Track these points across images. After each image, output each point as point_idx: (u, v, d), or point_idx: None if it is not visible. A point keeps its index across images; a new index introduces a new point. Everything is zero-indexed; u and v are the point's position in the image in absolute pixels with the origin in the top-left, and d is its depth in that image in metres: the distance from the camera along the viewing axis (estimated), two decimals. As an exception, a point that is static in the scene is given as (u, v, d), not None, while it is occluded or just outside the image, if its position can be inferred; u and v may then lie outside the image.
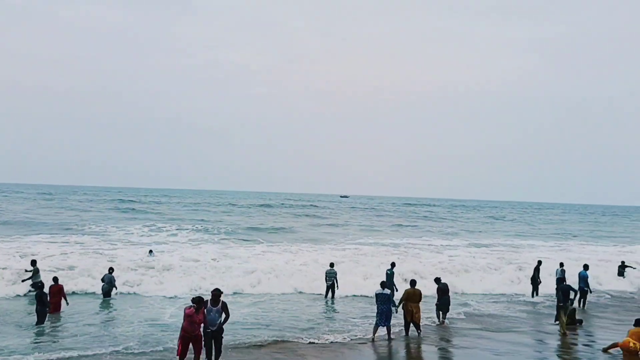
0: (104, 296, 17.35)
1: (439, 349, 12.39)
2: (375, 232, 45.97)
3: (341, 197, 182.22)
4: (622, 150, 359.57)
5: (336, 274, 18.66)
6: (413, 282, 14.19)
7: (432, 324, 14.54)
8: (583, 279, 18.06)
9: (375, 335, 12.83)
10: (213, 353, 10.18)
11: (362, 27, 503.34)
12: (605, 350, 12.02)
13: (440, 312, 14.94)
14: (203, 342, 10.01)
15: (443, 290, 15.01)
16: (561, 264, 19.80)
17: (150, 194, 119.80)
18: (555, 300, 14.77)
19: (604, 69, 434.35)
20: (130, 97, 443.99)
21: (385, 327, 12.89)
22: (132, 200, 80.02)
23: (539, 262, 20.61)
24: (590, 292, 18.46)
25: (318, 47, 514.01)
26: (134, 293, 18.35)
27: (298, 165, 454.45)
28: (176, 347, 10.12)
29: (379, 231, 47.60)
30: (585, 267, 18.71)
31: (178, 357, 9.97)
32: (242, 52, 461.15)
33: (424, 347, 12.46)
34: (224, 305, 10.33)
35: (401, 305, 13.35)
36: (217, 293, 10.24)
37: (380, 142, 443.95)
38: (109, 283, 17.46)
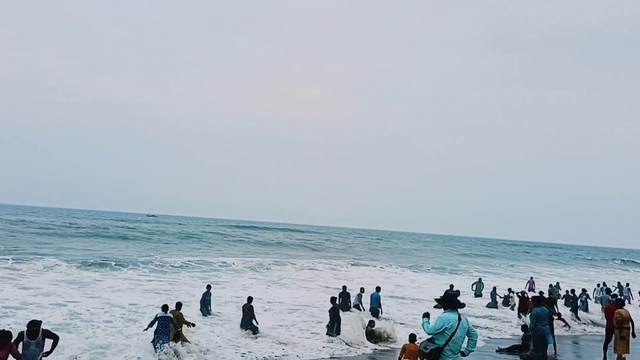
0: None
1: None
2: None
3: (148, 215, 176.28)
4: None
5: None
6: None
7: None
8: (375, 299, 20.81)
9: None
10: None
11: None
12: None
13: None
14: None
15: None
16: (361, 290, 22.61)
17: None
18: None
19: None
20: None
21: None
22: None
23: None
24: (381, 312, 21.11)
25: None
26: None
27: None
28: None
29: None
30: (378, 288, 21.57)
31: None
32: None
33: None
34: (46, 332, 9.52)
35: None
36: (34, 327, 9.31)
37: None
38: None
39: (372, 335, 16.04)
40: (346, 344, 15.17)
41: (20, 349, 9.13)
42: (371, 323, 16.51)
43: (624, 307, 14.30)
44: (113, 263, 31.41)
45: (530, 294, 24.74)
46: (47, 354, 9.50)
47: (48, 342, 9.59)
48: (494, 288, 27.36)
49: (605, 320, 15.89)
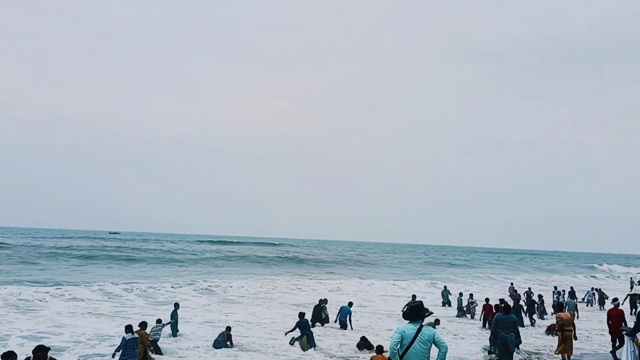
0: None
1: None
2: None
3: (110, 233, 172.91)
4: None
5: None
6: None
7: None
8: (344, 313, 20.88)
9: None
10: None
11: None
12: None
13: None
14: None
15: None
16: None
17: None
18: None
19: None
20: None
21: None
22: None
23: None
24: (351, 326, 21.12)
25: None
26: None
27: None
28: None
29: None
30: (350, 303, 21.64)
31: None
32: None
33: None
34: None
35: None
36: (40, 352, 8.58)
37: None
38: None
39: (364, 346, 16.42)
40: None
41: None
42: (363, 338, 16.96)
43: (564, 311, 15.13)
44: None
45: (510, 301, 25.18)
46: None
47: None
48: (460, 294, 27.29)
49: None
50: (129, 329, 13.04)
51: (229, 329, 16.78)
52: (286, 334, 17.21)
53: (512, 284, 39.21)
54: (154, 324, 16.04)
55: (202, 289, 32.34)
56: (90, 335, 17.36)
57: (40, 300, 24.49)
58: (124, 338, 12.70)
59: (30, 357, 8.71)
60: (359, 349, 16.31)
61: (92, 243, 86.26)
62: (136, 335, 12.87)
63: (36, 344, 15.25)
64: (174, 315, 18.08)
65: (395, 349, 7.05)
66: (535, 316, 25.04)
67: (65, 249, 68.19)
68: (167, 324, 17.15)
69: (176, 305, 18.86)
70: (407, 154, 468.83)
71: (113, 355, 12.71)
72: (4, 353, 8.29)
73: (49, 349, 8.72)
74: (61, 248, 69.21)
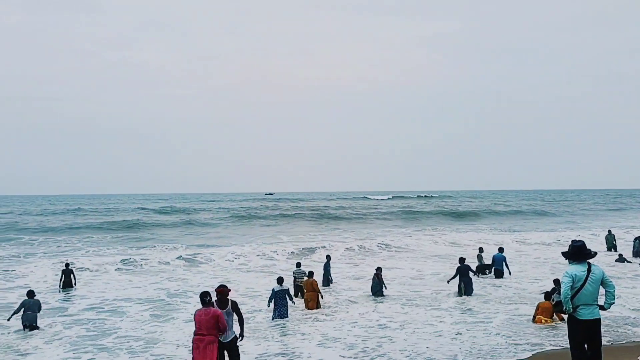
0: None
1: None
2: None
3: (266, 194, 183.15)
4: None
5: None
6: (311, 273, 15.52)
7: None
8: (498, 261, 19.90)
9: None
10: None
11: (272, 26, 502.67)
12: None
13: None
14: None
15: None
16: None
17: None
18: None
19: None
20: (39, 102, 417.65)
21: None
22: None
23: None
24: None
25: (229, 46, 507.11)
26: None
27: (223, 166, 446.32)
28: None
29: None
30: (501, 249, 20.64)
31: None
32: (153, 52, 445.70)
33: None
34: (235, 305, 8.77)
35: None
36: (224, 290, 8.66)
37: (305, 139, 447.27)
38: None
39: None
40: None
41: None
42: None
43: None
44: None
45: None
46: (241, 336, 8.81)
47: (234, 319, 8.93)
48: (636, 238, 25.37)
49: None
50: (279, 281, 14.04)
51: (379, 269, 17.09)
52: (448, 281, 17.05)
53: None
54: (294, 268, 17.67)
55: (358, 247, 30.88)
56: (254, 289, 18.66)
57: (206, 261, 26.09)
58: (273, 289, 13.79)
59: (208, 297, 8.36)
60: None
61: (249, 204, 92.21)
62: (285, 287, 13.88)
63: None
64: (327, 267, 18.92)
65: (568, 294, 6.90)
66: None
67: (226, 210, 73.40)
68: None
69: (328, 257, 19.73)
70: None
71: (268, 305, 13.87)
72: (202, 293, 8.36)
73: (229, 290, 8.86)
74: (222, 210, 74.81)
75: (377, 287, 16.55)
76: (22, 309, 13.05)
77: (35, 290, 14.17)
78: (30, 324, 12.95)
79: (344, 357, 10.35)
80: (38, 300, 13.42)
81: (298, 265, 17.85)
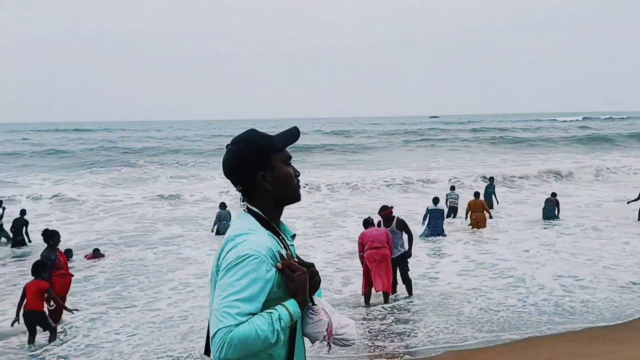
0: None
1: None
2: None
3: (430, 117, 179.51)
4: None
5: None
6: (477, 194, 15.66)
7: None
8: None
9: None
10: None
11: None
12: None
13: None
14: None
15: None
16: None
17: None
18: None
19: None
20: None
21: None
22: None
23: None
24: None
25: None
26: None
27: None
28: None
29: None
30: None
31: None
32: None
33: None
34: (401, 223, 8.92)
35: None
36: (387, 210, 8.92)
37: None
38: None
39: None
40: None
41: None
42: None
43: None
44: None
45: None
46: (409, 254, 8.99)
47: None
48: None
49: None
50: (435, 201, 14.46)
51: (554, 194, 16.83)
52: (629, 202, 15.83)
53: None
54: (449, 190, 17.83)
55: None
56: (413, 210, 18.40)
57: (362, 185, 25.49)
58: (427, 208, 14.32)
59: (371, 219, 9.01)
60: None
61: (414, 127, 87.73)
62: (438, 207, 14.26)
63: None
64: (489, 188, 18.39)
65: None
66: None
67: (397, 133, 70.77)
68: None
69: (491, 179, 19.37)
70: None
71: (422, 223, 14.31)
72: (364, 220, 8.99)
73: (392, 207, 9.15)
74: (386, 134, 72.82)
75: (551, 212, 15.97)
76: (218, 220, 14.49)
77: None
78: (222, 233, 13.96)
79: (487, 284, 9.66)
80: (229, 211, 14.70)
81: (452, 188, 18.07)
